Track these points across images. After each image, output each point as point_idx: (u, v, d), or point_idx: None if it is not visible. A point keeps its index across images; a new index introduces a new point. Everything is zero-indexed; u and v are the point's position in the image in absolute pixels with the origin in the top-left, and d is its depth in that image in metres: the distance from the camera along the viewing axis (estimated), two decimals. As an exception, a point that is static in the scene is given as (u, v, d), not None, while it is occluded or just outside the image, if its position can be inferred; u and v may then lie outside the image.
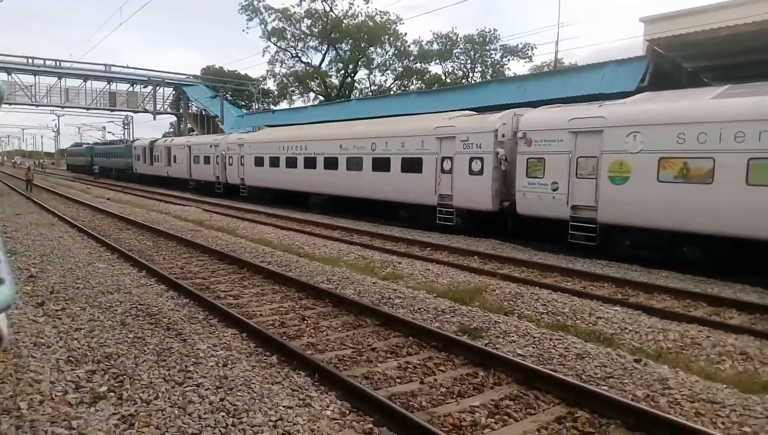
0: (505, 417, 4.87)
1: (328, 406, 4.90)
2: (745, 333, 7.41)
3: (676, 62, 17.28)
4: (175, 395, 5.03)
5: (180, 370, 5.60)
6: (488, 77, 51.43)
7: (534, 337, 6.88)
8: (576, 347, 6.53)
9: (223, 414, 4.67)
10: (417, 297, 8.84)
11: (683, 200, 11.45)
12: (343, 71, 57.31)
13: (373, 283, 9.87)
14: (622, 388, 5.43)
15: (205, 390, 5.13)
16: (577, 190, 13.45)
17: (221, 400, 4.94)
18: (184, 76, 58.85)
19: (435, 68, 58.17)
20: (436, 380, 5.65)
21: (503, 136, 15.53)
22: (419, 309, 8.22)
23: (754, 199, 10.38)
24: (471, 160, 16.22)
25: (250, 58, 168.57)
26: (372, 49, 55.01)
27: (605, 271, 11.62)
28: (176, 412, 4.71)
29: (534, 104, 16.40)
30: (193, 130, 59.79)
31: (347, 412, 4.84)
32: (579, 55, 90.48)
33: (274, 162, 25.91)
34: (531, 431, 4.61)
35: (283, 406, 4.82)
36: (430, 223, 17.75)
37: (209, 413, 4.69)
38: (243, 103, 64.29)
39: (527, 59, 56.47)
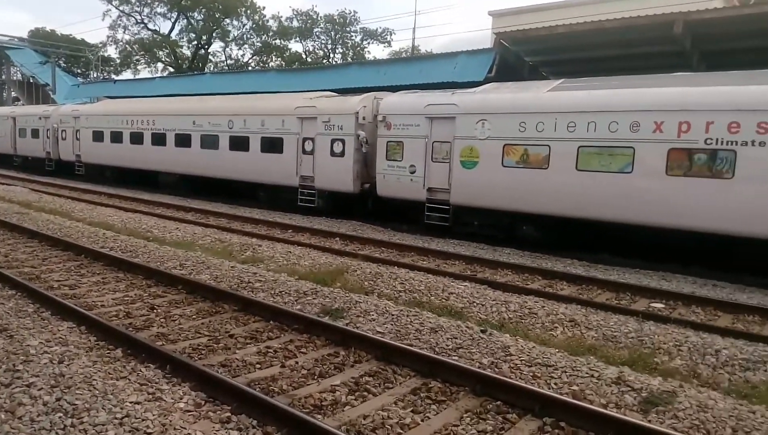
0: (365, 393, 4.99)
1: (181, 398, 4.64)
2: (574, 302, 8.36)
3: (519, 55, 18.73)
4: (0, 398, 4.43)
5: (6, 370, 4.94)
6: (349, 59, 51.74)
7: (392, 315, 7.13)
8: (430, 322, 6.88)
9: (60, 415, 4.21)
10: (278, 280, 8.69)
11: (524, 184, 12.52)
12: (195, 42, 53.99)
13: (232, 267, 9.51)
14: (470, 357, 5.83)
15: (38, 390, 4.58)
16: (433, 173, 14.10)
17: (57, 400, 4.44)
18: (7, 38, 51.45)
19: (295, 46, 57.17)
20: (297, 363, 5.61)
21: (364, 118, 15.74)
22: (281, 292, 8.09)
23: (583, 183, 11.66)
24: (333, 141, 16.23)
25: (88, 21, 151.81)
26: (228, 21, 52.43)
27: (457, 249, 12.37)
28: (2, 416, 4.15)
29: (393, 88, 16.83)
30: (19, 100, 52.67)
31: (203, 402, 4.63)
32: (435, 44, 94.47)
33: (117, 137, 23.70)
34: (388, 404, 4.78)
35: (130, 402, 4.47)
36: (291, 204, 17.52)
37: (43, 415, 4.20)
38: (79, 71, 57.91)
39: (386, 44, 57.73)
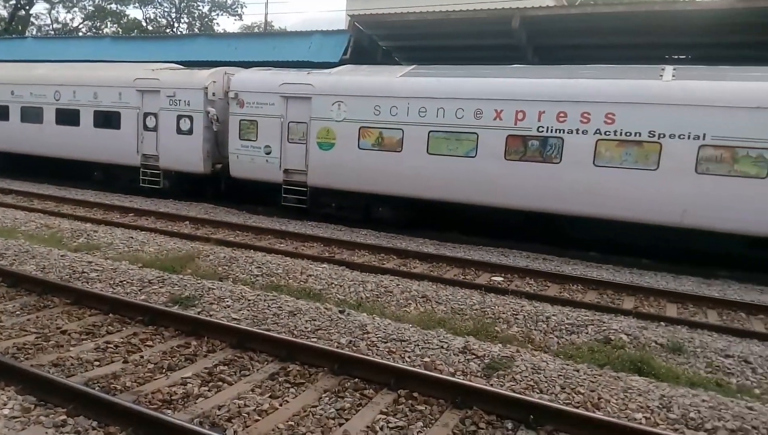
0: (219, 383, 4.78)
1: (5, 404, 4.07)
2: (426, 279, 8.80)
3: (373, 39, 19.01)
4: None
5: None
6: (196, 30, 48.63)
7: (249, 300, 6.91)
8: (289, 305, 6.79)
9: None
10: (118, 269, 7.97)
11: (379, 166, 12.82)
12: (14, 2, 47.00)
13: (62, 256, 8.52)
14: (329, 338, 5.87)
15: None
16: (290, 154, 13.86)
17: None
18: None
19: (134, 12, 52.27)
20: (142, 357, 5.20)
21: (214, 94, 14.92)
22: (121, 282, 7.43)
23: (433, 166, 12.24)
24: (179, 118, 15.19)
25: None
26: (53, -22, 46.38)
27: (315, 231, 12.35)
28: None
29: (245, 64, 16.15)
30: None
31: (32, 406, 4.10)
32: (289, 21, 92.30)
33: None
34: (245, 392, 4.64)
35: (-66, 417, 3.81)
36: (132, 185, 16.14)
37: None
38: None
39: (237, 17, 55.09)
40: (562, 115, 11.07)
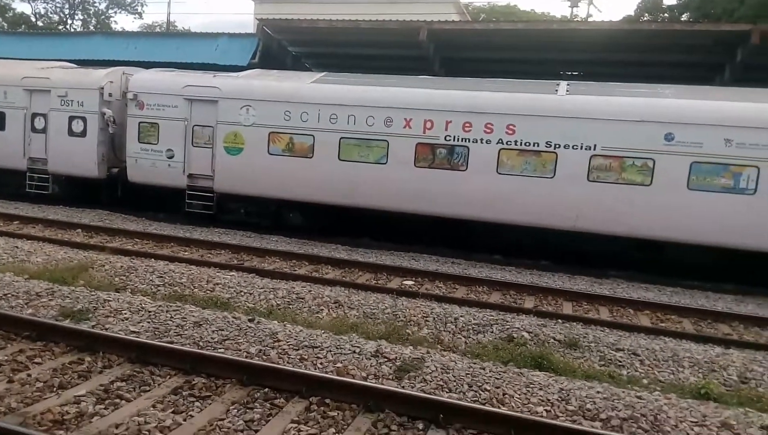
0: (117, 400, 4.48)
1: None
2: (338, 285, 8.77)
3: (282, 44, 18.79)
4: None
5: None
6: (91, 28, 45.64)
7: (149, 312, 6.54)
8: (194, 315, 6.50)
9: None
10: (1, 281, 7.26)
11: (290, 172, 12.64)
12: None
13: (-69, 267, 7.64)
14: (237, 347, 5.68)
15: None
16: (194, 158, 13.33)
17: None
18: None
19: (22, 6, 48.17)
20: (30, 376, 4.76)
21: (110, 95, 14.06)
22: (5, 295, 6.78)
23: (345, 173, 12.24)
24: (71, 119, 14.15)
25: None
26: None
27: (222, 238, 11.94)
28: None
29: (145, 65, 15.36)
30: None
31: None
32: (194, 22, 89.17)
33: None
34: (145, 408, 4.37)
35: None
36: (17, 191, 14.80)
37: None
38: None
39: (137, 15, 52.32)
40: (467, 125, 11.51)
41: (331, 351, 5.67)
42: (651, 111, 10.69)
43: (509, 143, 11.33)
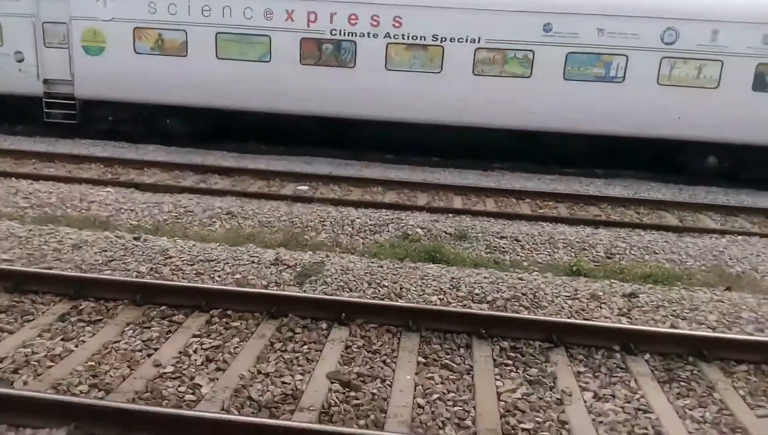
0: (-4, 335, 4.13)
1: None
2: (229, 195, 8.46)
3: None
4: None
5: None
6: None
7: (20, 237, 5.94)
8: (71, 238, 6.00)
9: None
10: None
11: (162, 73, 11.57)
12: None
13: None
14: (125, 268, 5.37)
15: None
16: (49, 61, 11.74)
17: None
18: None
19: None
20: None
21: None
22: None
23: (224, 72, 11.40)
24: None
25: None
26: None
27: (91, 150, 10.92)
28: None
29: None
30: None
31: None
32: None
33: None
34: (30, 339, 4.08)
35: None
36: None
37: None
38: None
39: None
40: (353, 17, 11.01)
41: (228, 263, 5.55)
42: (530, 1, 10.82)
43: (396, 37, 11.07)
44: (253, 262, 5.61)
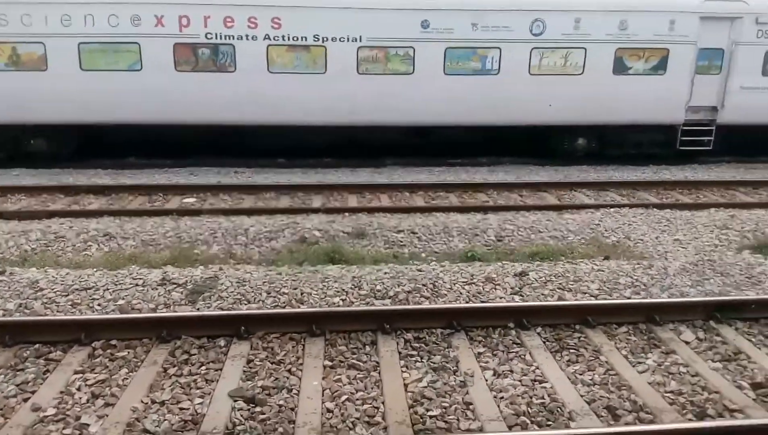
0: None
1: None
2: (105, 215, 7.83)
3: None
4: None
5: None
6: None
7: None
8: None
9: None
10: None
11: (19, 89, 10.51)
12: None
13: None
14: (-12, 308, 4.80)
15: None
16: None
17: None
18: None
19: None
20: None
21: None
22: None
23: (92, 84, 10.56)
24: None
25: None
26: None
27: (-59, 180, 9.67)
28: None
29: None
30: None
31: None
32: None
33: None
34: None
35: None
36: None
37: None
38: None
39: None
40: (229, 20, 10.64)
41: (108, 289, 5.13)
42: (408, -1, 11.06)
43: (277, 38, 10.85)
44: (137, 284, 5.23)
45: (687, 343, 4.37)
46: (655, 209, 8.45)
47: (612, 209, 8.43)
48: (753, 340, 4.44)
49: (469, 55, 11.34)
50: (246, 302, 5.01)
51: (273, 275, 5.53)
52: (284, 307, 4.89)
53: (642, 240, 7.20)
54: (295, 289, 5.22)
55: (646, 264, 5.98)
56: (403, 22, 10.97)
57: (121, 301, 4.92)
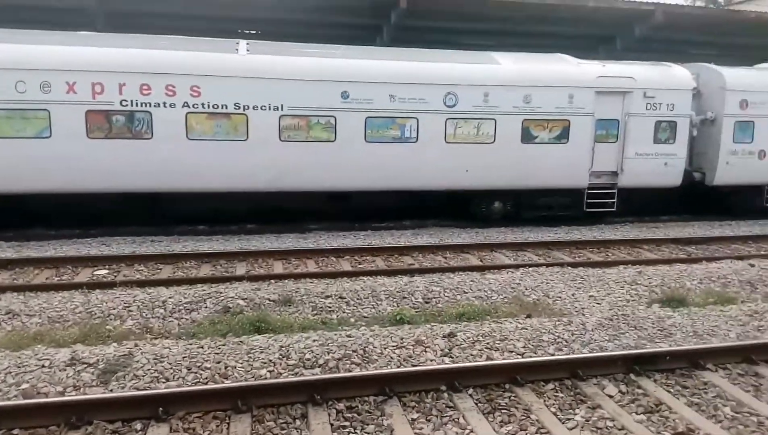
0: None
1: None
2: (8, 291, 7.18)
3: None
4: None
5: None
6: None
7: None
8: None
9: None
10: None
11: None
12: None
13: None
14: None
15: None
16: None
17: None
18: None
19: None
20: None
21: None
22: None
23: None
24: None
25: None
26: None
27: None
28: None
29: None
30: None
31: None
32: None
33: None
34: None
35: None
36: None
37: None
38: None
39: None
40: (145, 87, 10.48)
41: (10, 372, 4.64)
42: (328, 70, 11.41)
43: (196, 106, 10.78)
44: (43, 366, 4.77)
45: (611, 396, 4.53)
46: (569, 267, 8.90)
47: (530, 268, 8.79)
48: (671, 390, 4.67)
49: (388, 124, 11.77)
50: (164, 380, 4.69)
51: (194, 349, 5.24)
52: (206, 383, 4.62)
53: (560, 297, 7.53)
54: (218, 362, 4.96)
55: (566, 320, 6.22)
56: (324, 92, 11.28)
57: (25, 385, 4.45)
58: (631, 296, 7.66)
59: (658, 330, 6.04)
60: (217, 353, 5.13)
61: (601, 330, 5.96)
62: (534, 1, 15.89)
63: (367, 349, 5.29)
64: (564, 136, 12.44)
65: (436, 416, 4.19)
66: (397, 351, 5.29)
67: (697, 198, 14.27)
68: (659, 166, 12.92)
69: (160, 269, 8.71)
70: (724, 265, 9.23)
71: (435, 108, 11.81)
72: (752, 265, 9.12)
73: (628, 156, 12.75)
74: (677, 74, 13.13)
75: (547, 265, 9.00)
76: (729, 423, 4.20)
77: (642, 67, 13.15)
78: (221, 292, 7.20)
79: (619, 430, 4.06)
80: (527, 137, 12.32)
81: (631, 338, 5.79)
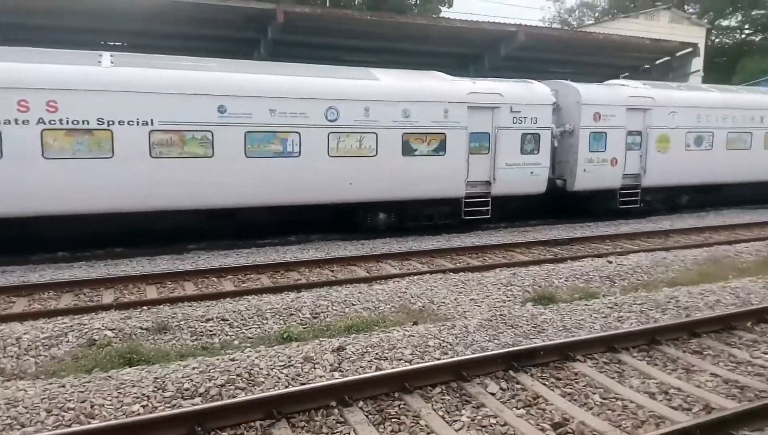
0: None
1: None
2: None
3: None
4: None
5: None
6: None
7: None
8: None
9: None
10: None
11: None
12: None
13: None
14: None
15: None
16: None
17: None
18: None
19: None
20: None
21: None
22: None
23: None
24: None
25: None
26: None
27: None
28: None
29: None
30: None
31: None
32: None
33: None
34: None
35: None
36: None
37: None
38: None
39: None
40: (-7, 103, 9.38)
41: None
42: (203, 84, 10.92)
43: (53, 122, 9.81)
44: None
45: (493, 394, 4.71)
46: (451, 273, 9.23)
47: (415, 277, 8.99)
48: (547, 383, 4.96)
49: (269, 138, 11.51)
50: (19, 427, 4.14)
51: (54, 389, 4.69)
52: (69, 426, 4.15)
53: (444, 302, 7.76)
54: (83, 402, 4.48)
55: (450, 324, 6.41)
56: (199, 106, 10.79)
57: None
58: (507, 297, 8.09)
59: (532, 327, 6.41)
60: (82, 391, 4.64)
61: (482, 331, 6.21)
62: (407, 21, 16.54)
63: (252, 371, 5.06)
64: (441, 148, 12.94)
65: (326, 434, 4.08)
66: (284, 370, 5.12)
67: (560, 202, 15.52)
68: (526, 175, 13.88)
69: (13, 302, 7.75)
70: (586, 263, 10.08)
71: (317, 122, 11.76)
72: (610, 262, 10.05)
73: (499, 166, 13.55)
74: (539, 90, 14.23)
75: (431, 273, 9.26)
76: (599, 409, 4.53)
77: (508, 83, 14.09)
78: (85, 324, 6.54)
79: (502, 426, 4.22)
80: (407, 150, 12.66)
81: (509, 337, 6.09)
